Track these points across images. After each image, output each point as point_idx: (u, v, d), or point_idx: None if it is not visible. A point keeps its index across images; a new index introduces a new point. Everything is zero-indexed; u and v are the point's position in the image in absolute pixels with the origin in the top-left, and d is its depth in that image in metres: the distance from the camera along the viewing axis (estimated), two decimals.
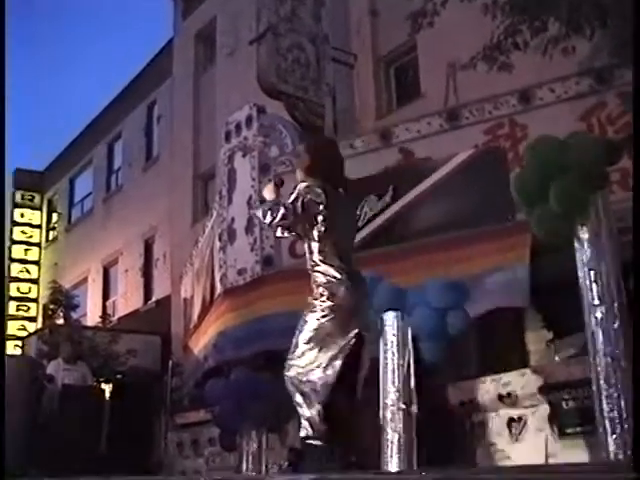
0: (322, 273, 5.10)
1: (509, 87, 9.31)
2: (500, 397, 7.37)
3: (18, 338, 26.53)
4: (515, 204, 7.70)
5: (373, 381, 6.35)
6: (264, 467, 8.32)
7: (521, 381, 7.30)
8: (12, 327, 28.16)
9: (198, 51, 20.08)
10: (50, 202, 29.95)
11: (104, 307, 24.22)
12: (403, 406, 5.95)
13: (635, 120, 4.56)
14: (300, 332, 5.23)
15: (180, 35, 20.79)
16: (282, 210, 4.91)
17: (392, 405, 5.97)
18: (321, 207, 4.96)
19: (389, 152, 9.87)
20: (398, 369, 6.02)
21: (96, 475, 7.92)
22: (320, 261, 5.09)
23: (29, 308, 28.53)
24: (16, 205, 29.54)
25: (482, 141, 9.29)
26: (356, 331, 4.97)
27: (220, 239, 10.51)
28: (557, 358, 8.05)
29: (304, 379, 5.17)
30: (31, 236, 29.50)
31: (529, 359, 8.29)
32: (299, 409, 5.19)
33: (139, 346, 17.67)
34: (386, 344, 6.07)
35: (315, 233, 5.05)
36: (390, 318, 6.11)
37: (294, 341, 5.28)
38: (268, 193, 5.18)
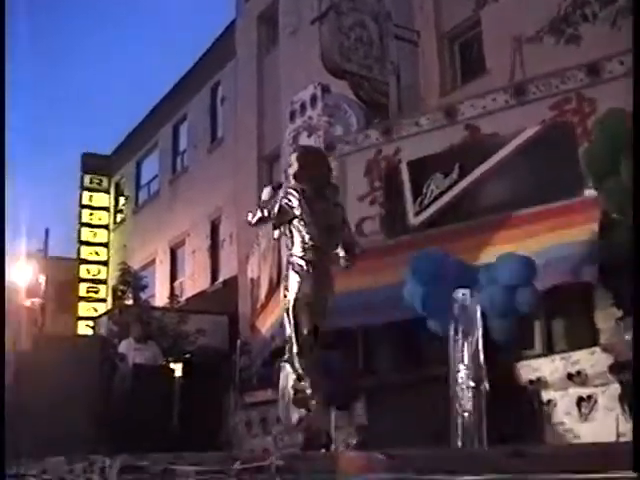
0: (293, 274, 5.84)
1: (577, 61, 9.15)
2: (569, 376, 7.29)
3: (89, 319, 27.08)
4: (583, 179, 7.59)
5: (444, 359, 6.35)
6: (333, 445, 8.36)
7: (591, 359, 7.20)
8: (83, 309, 28.73)
9: (261, 32, 20.08)
10: (117, 185, 30.38)
11: (172, 288, 24.53)
12: (472, 384, 5.94)
13: (635, 119, 4.43)
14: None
15: (242, 16, 20.82)
16: (259, 213, 5.88)
17: (461, 383, 5.96)
18: (296, 211, 5.76)
19: (455, 129, 9.78)
20: (467, 347, 5.99)
21: (168, 452, 8.04)
22: (296, 256, 5.82)
23: (99, 290, 29.05)
24: (85, 188, 30.04)
25: (549, 116, 9.15)
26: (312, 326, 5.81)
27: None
28: (627, 337, 7.93)
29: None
30: (100, 219, 29.99)
31: (599, 337, 8.18)
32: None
33: (207, 326, 17.86)
34: (455, 322, 6.05)
35: (293, 231, 5.82)
36: (459, 296, 6.08)
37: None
38: (264, 195, 6.07)
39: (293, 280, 5.85)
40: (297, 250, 5.82)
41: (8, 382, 8.93)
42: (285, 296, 5.94)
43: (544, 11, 8.54)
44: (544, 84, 9.26)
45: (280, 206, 5.79)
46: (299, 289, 5.81)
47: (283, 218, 5.81)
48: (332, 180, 6.36)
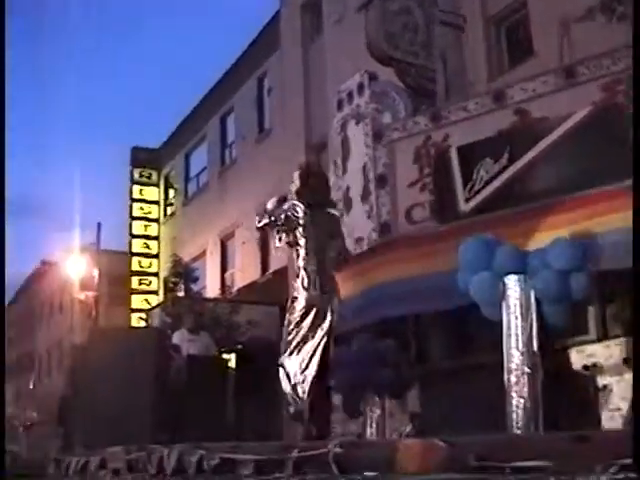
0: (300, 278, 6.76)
1: (628, 40, 8.98)
2: (625, 361, 7.21)
3: (141, 311, 27.37)
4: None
5: (497, 346, 6.31)
6: (387, 433, 8.37)
7: None
8: (135, 301, 29.05)
9: (305, 21, 20.06)
10: (167, 178, 30.62)
11: (223, 279, 24.68)
12: (528, 370, 5.89)
13: (635, 118, 4.32)
14: (284, 333, 6.93)
15: (286, 6, 20.83)
16: (266, 219, 6.83)
17: (516, 369, 5.92)
18: (301, 221, 6.72)
19: (504, 113, 9.67)
20: (522, 333, 5.95)
21: (224, 442, 8.10)
22: (301, 267, 6.76)
23: (150, 282, 29.35)
24: (135, 182, 30.33)
25: (600, 98, 9.01)
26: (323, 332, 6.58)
27: (336, 208, 10.53)
28: None
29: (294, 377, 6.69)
30: (150, 212, 30.27)
31: None
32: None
33: (259, 316, 17.93)
34: (509, 308, 6.01)
35: (299, 242, 6.78)
36: (512, 282, 6.03)
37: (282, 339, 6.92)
38: (270, 204, 6.95)
39: (299, 287, 6.79)
40: (301, 259, 6.80)
41: (65, 375, 9.07)
42: (292, 302, 6.89)
43: None
44: (594, 65, 9.11)
45: (286, 215, 6.74)
46: (304, 295, 6.71)
47: (289, 226, 6.75)
48: (330, 194, 7.58)
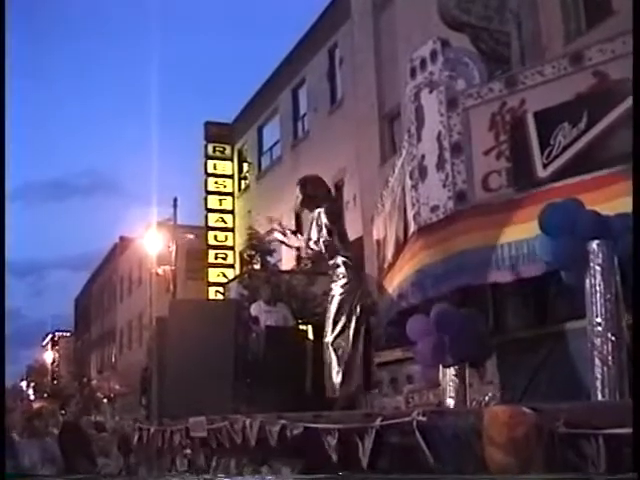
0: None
1: None
2: None
3: (219, 285, 27.69)
4: None
5: (578, 313, 6.21)
6: (467, 402, 8.33)
7: None
8: (212, 274, 29.41)
9: None
10: (240, 152, 30.82)
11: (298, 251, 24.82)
12: (612, 337, 5.78)
13: (635, 117, 4.12)
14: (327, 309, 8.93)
15: None
16: (312, 247, 9.46)
17: (600, 336, 5.81)
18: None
19: (581, 76, 9.42)
20: (606, 300, 5.83)
21: (303, 412, 8.17)
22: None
23: (227, 256, 29.66)
24: (208, 157, 30.59)
25: None
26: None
27: (411, 177, 10.42)
28: None
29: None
30: (224, 186, 30.54)
31: None
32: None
33: None
34: (592, 274, 5.89)
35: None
36: (595, 247, 5.91)
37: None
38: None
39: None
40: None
41: (148, 346, 9.24)
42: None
43: None
44: None
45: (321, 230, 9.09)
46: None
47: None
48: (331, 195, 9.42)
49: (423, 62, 11.05)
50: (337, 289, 8.97)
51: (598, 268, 5.88)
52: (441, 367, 8.38)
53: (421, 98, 10.81)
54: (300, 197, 9.17)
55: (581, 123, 9.16)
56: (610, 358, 5.75)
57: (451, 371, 8.35)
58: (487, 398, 8.50)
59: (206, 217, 30.32)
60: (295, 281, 17.97)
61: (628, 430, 2.50)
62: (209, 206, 30.15)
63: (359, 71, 19.99)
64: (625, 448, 2.64)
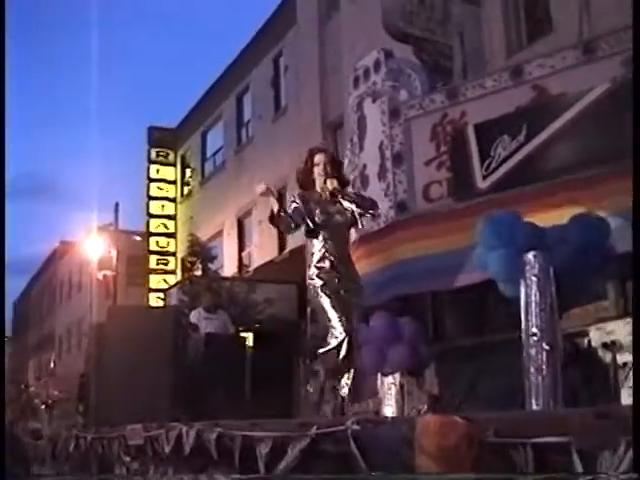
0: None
1: None
2: None
3: (159, 290, 27.48)
4: None
5: (515, 322, 6.28)
6: (405, 411, 8.37)
7: None
8: (153, 281, 29.17)
9: None
10: (183, 158, 30.65)
11: (240, 258, 24.75)
12: (547, 347, 5.86)
13: (635, 116, 4.24)
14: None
15: None
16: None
17: (535, 346, 5.89)
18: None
19: (521, 90, 9.60)
20: (541, 310, 5.91)
21: (241, 419, 8.14)
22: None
23: (168, 262, 29.45)
24: (151, 162, 30.37)
25: (620, 73, 8.92)
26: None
27: (353, 186, 10.49)
28: None
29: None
30: (167, 192, 30.33)
31: None
32: None
33: (275, 295, 18.01)
34: (528, 284, 5.96)
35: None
36: (531, 258, 5.99)
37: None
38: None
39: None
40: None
41: (87, 352, 9.12)
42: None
43: None
44: (614, 39, 9.02)
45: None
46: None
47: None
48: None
49: (367, 72, 11.15)
50: None
51: (534, 279, 5.95)
52: (380, 375, 8.41)
53: (364, 108, 10.90)
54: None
55: (520, 135, 9.31)
56: (545, 368, 5.82)
57: (389, 379, 8.39)
58: (425, 407, 8.55)
59: (147, 222, 30.09)
60: (236, 288, 17.93)
61: (557, 439, 2.55)
62: (151, 211, 29.93)
63: (303, 79, 20.05)
64: (554, 456, 2.69)
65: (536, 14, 13.27)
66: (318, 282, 6.81)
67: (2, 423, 8.00)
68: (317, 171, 6.98)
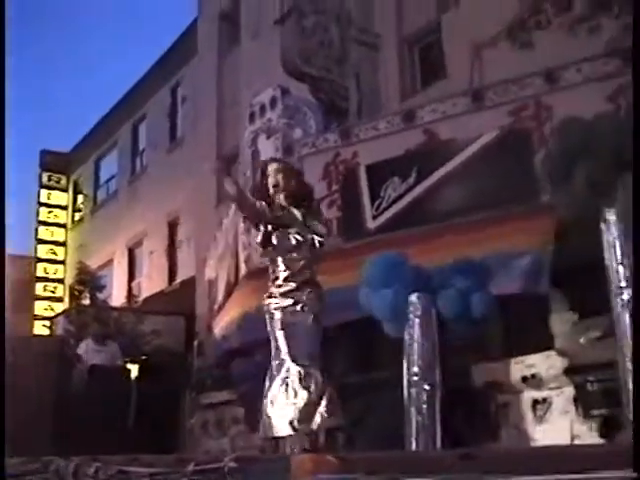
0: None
1: (535, 67, 9.25)
2: (524, 379, 7.37)
3: (45, 318, 26.81)
4: (539, 186, 7.68)
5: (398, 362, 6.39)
6: (289, 447, 8.37)
7: (546, 363, 7.29)
8: (39, 307, 28.44)
9: (222, 31, 20.02)
10: (76, 183, 30.11)
11: (129, 288, 24.40)
12: (428, 387, 5.98)
13: (635, 116, 4.50)
14: None
15: (204, 15, 20.77)
16: None
17: (416, 386, 6.00)
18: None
19: (413, 133, 9.83)
20: (423, 350, 6.04)
21: (124, 454, 8.01)
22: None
23: (56, 289, 28.78)
24: (43, 186, 29.72)
25: (507, 122, 9.24)
26: None
27: (244, 221, 10.52)
28: (582, 340, 8.04)
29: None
30: (57, 217, 29.71)
31: (554, 341, 8.29)
32: None
33: (163, 326, 17.81)
34: (411, 325, 6.09)
35: None
36: (415, 299, 6.13)
37: None
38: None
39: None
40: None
41: None
42: None
43: (501, 17, 8.66)
44: (503, 90, 9.35)
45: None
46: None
47: None
48: None
49: (263, 108, 11.25)
50: None
51: (417, 320, 6.09)
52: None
53: (258, 143, 10.98)
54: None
55: (410, 178, 9.53)
56: (425, 407, 5.95)
57: None
58: (307, 444, 8.56)
59: (36, 248, 29.39)
60: (124, 318, 17.66)
61: (431, 478, 2.61)
62: (40, 237, 29.26)
63: (201, 111, 20.02)
64: None
65: (431, 60, 13.61)
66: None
67: (2, 423, 7.67)
68: (270, 183, 6.04)
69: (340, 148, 9.94)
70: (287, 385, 5.56)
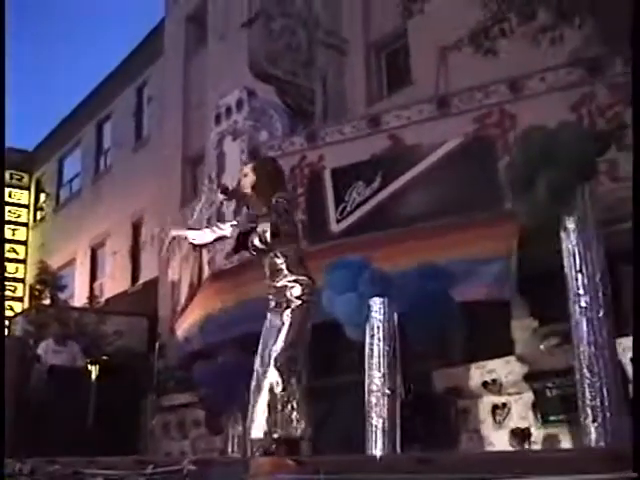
0: None
1: (500, 76, 9.33)
2: (485, 384, 7.43)
3: (6, 318, 26.53)
4: (503, 193, 7.73)
5: (360, 366, 6.40)
6: (250, 450, 8.36)
7: (506, 368, 7.35)
8: None
9: (189, 33, 19.97)
10: (39, 182, 29.83)
11: (91, 288, 24.20)
12: (388, 392, 5.99)
13: (635, 117, 4.56)
14: None
15: (171, 16, 20.69)
16: None
17: (377, 390, 6.01)
18: None
19: (378, 138, 9.87)
20: (384, 355, 6.05)
21: (82, 456, 7.96)
22: None
23: (16, 288, 28.48)
24: (5, 184, 29.42)
25: (471, 129, 9.31)
26: None
27: (209, 223, 10.50)
28: (542, 347, 8.11)
29: None
30: (19, 216, 29.41)
31: (514, 347, 8.36)
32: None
33: (125, 327, 17.68)
34: (372, 330, 6.10)
35: None
36: (376, 304, 6.14)
37: None
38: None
39: None
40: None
41: None
42: None
43: (466, 25, 8.73)
44: (468, 97, 9.41)
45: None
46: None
47: None
48: None
49: (229, 110, 11.24)
50: None
51: (378, 324, 6.09)
52: (225, 413, 8.40)
53: (224, 145, 10.97)
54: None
55: (375, 182, 9.57)
56: (385, 412, 5.96)
57: (235, 418, 8.38)
58: (273, 447, 8.56)
59: None
60: (85, 319, 17.50)
61: None
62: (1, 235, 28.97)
63: (166, 111, 19.93)
64: None
65: (398, 66, 13.67)
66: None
67: (2, 422, 7.55)
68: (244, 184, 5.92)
69: (306, 151, 9.96)
70: (259, 388, 5.47)
